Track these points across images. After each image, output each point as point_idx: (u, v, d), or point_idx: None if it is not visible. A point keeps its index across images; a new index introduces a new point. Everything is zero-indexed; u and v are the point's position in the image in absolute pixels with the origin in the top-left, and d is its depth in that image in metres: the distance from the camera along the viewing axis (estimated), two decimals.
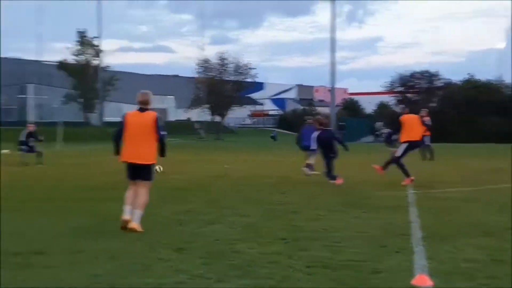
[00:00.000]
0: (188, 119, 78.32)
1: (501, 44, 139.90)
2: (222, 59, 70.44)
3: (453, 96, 61.80)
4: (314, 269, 6.04)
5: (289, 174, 17.18)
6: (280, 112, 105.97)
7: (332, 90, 62.31)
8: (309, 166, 16.81)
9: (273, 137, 61.02)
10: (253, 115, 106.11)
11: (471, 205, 10.94)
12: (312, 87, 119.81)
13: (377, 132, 52.59)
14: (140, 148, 8.22)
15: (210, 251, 6.85)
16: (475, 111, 57.26)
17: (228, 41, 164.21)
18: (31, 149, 21.20)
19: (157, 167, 14.60)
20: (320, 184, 14.51)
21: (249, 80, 72.74)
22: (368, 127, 60.24)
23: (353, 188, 13.63)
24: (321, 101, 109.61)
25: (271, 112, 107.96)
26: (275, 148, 39.15)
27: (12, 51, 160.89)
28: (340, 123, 62.68)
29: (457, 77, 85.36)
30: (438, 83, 70.62)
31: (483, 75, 77.80)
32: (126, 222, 8.00)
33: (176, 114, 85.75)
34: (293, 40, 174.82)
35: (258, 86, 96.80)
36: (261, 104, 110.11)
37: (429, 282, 5.42)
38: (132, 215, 8.04)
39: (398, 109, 19.17)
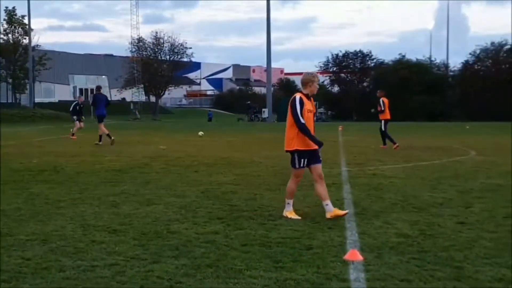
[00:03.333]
0: (123, 100, 76.96)
1: (430, 24, 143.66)
2: (157, 38, 69.47)
3: (386, 76, 63.26)
4: (250, 247, 6.10)
5: (225, 155, 17.19)
6: (217, 92, 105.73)
7: (268, 70, 62.59)
8: None
9: (210, 118, 60.88)
10: (189, 95, 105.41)
11: (403, 181, 11.27)
12: (248, 67, 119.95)
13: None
14: None
15: (145, 232, 6.80)
16: (406, 90, 58.86)
17: (163, 20, 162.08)
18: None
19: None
20: (257, 164, 14.60)
21: (185, 59, 72.08)
22: None
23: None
24: (258, 81, 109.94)
25: (208, 92, 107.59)
26: (212, 129, 39.06)
27: None
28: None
29: (389, 57, 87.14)
30: (371, 63, 72.16)
31: (414, 55, 79.71)
32: None
33: (110, 95, 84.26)
34: (230, 20, 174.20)
35: (195, 66, 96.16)
36: (198, 84, 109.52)
37: (360, 256, 5.57)
38: None
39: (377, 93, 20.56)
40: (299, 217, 7.61)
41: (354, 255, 5.60)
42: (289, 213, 7.75)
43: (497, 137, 26.68)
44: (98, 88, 23.34)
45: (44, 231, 6.83)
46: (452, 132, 32.17)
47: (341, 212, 7.60)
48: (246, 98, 76.75)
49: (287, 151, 7.89)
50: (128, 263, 5.49)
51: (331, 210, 7.58)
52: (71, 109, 26.87)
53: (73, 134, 25.09)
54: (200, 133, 27.43)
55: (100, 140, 21.30)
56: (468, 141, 22.92)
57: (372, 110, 20.92)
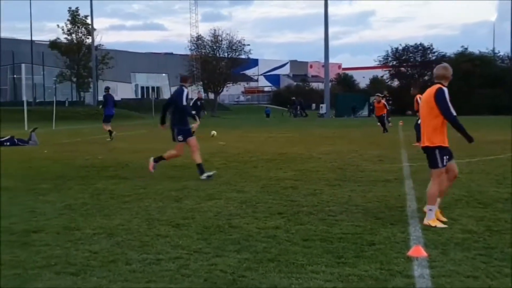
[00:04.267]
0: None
1: (493, 16, 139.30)
2: (215, 36, 70.02)
3: None
4: (311, 242, 6.10)
5: (284, 151, 17.20)
6: (274, 88, 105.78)
7: (326, 65, 62.15)
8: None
9: (267, 114, 60.98)
10: (247, 92, 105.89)
11: (467, 176, 10.99)
12: (306, 62, 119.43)
13: (371, 107, 52.68)
14: None
15: (207, 226, 6.89)
16: (469, 83, 57.30)
17: (220, 18, 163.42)
18: None
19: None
20: (316, 160, 14.55)
21: (243, 56, 72.36)
22: (363, 102, 60.14)
23: (349, 163, 13.67)
24: (315, 76, 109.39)
25: (265, 89, 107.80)
26: (269, 125, 39.13)
27: (4, 31, 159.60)
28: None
29: (451, 50, 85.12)
30: (432, 57, 70.58)
31: (476, 48, 77.58)
32: None
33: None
34: (286, 16, 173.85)
35: (252, 63, 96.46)
36: (256, 80, 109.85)
37: (424, 253, 5.48)
38: None
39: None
40: (445, 225, 6.80)
41: (418, 251, 5.51)
42: (432, 221, 6.83)
43: None
44: (107, 88, 24.05)
45: (110, 225, 7.02)
46: None
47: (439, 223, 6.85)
48: (303, 94, 76.44)
49: (426, 147, 7.05)
50: (191, 257, 5.58)
51: (432, 218, 6.90)
52: (191, 104, 25.02)
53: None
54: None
55: (110, 136, 22.19)
56: None
57: (409, 112, 20.34)
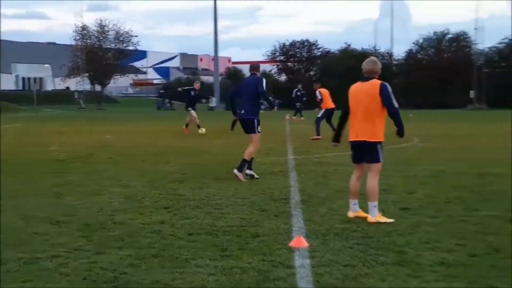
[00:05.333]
0: (67, 88, 75.25)
1: (375, 15, 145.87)
2: (101, 26, 68.08)
3: (332, 65, 63.93)
4: (196, 236, 6.08)
5: (173, 144, 17.06)
6: (164, 81, 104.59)
7: (215, 59, 62.33)
8: None
9: (159, 107, 60.22)
10: (136, 84, 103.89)
11: (348, 168, 11.35)
12: (196, 56, 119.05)
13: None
14: None
15: (89, 223, 6.68)
16: (353, 79, 59.51)
17: (108, 8, 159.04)
18: None
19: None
20: (203, 153, 14.55)
21: (130, 48, 70.91)
22: None
23: (238, 157, 13.76)
24: (205, 70, 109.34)
25: (154, 81, 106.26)
26: (159, 118, 38.67)
27: None
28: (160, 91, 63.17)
29: (336, 46, 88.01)
30: (317, 52, 72.79)
31: (359, 45, 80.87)
32: None
33: (54, 83, 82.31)
34: (176, 8, 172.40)
35: (141, 55, 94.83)
36: (144, 73, 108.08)
37: (305, 243, 5.62)
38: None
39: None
40: (392, 220, 6.75)
41: (299, 242, 5.64)
42: (379, 217, 6.75)
43: (440, 124, 27.39)
44: None
45: None
46: None
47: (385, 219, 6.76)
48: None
49: (366, 142, 6.88)
50: (71, 255, 5.39)
51: (377, 214, 6.81)
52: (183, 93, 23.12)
53: (187, 125, 22.07)
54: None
55: None
56: (411, 129, 23.39)
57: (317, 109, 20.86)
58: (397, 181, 9.76)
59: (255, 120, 10.17)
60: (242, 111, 10.25)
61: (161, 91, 64.94)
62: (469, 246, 5.64)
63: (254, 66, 10.73)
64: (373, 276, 4.76)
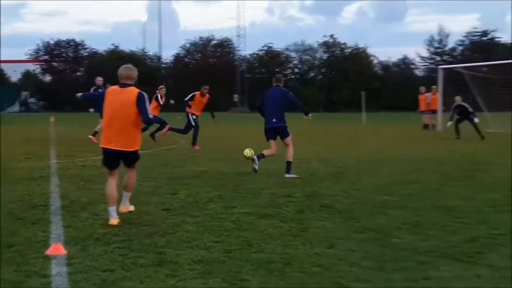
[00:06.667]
0: None
1: (143, 17, 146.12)
2: None
3: (102, 66, 62.70)
4: None
5: None
6: None
7: None
8: None
9: None
10: None
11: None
12: None
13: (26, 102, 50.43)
14: None
15: None
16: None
17: None
18: None
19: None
20: None
21: None
22: (14, 97, 57.17)
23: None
24: None
25: None
26: None
27: None
28: None
29: (103, 47, 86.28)
30: (84, 53, 70.88)
31: (128, 46, 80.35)
32: None
33: None
34: None
35: None
36: None
37: (63, 250, 5.42)
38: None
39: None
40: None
41: (57, 249, 5.42)
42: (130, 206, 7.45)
43: (207, 126, 28.38)
44: None
45: None
46: None
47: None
48: None
49: (132, 152, 6.97)
50: None
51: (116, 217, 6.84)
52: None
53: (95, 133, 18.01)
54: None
55: None
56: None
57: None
58: (161, 183, 9.90)
59: (287, 126, 11.21)
60: (274, 119, 11.07)
61: None
62: (225, 243, 5.92)
63: (278, 78, 11.66)
64: (131, 278, 4.75)
